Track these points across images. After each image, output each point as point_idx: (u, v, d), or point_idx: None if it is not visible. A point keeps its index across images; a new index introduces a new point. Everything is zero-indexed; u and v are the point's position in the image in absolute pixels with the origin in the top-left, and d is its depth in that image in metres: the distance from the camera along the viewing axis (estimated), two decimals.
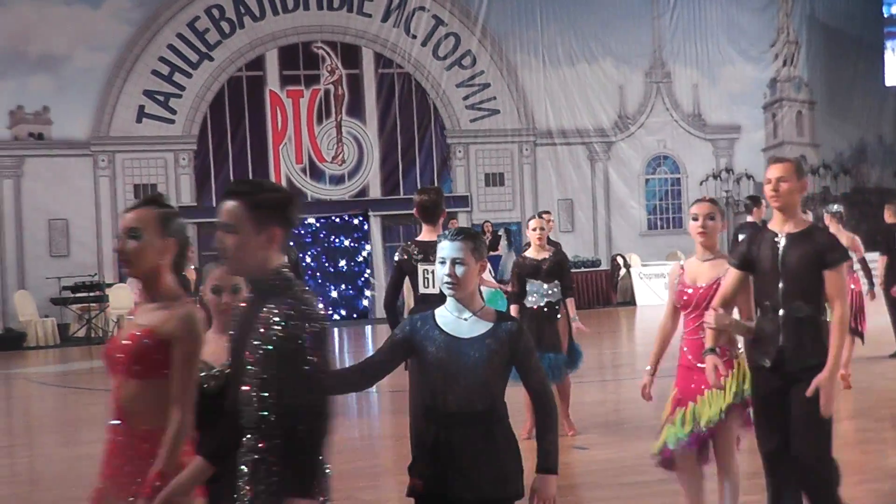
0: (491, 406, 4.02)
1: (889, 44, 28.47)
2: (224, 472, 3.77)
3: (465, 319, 4.07)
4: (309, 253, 23.33)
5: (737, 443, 5.90)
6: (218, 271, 4.57)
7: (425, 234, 7.50)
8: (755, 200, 13.20)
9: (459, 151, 25.99)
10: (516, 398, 4.99)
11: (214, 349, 4.47)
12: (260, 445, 3.46)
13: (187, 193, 24.34)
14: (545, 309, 9.43)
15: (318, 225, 23.73)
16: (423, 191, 7.75)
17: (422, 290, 7.30)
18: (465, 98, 25.92)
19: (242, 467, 3.51)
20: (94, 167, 23.75)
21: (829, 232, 5.68)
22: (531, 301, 9.48)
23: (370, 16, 25.34)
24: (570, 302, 9.54)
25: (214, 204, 24.28)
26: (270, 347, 3.32)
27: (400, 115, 25.56)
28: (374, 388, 4.15)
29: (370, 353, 4.60)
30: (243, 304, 3.67)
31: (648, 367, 6.09)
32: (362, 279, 24.03)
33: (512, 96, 26.26)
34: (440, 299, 4.19)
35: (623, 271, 25.31)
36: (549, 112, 26.44)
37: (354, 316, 23.76)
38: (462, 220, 24.38)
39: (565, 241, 21.40)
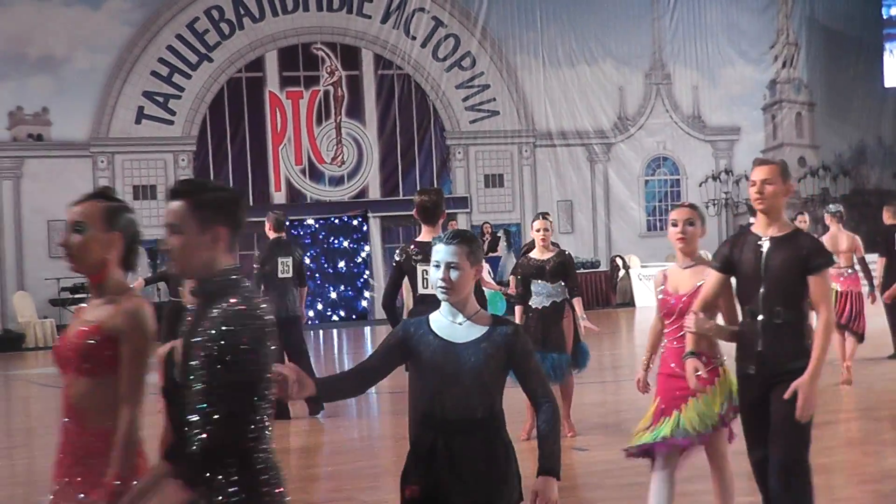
0: (489, 412, 3.94)
1: (888, 45, 28.48)
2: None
3: (460, 324, 3.99)
4: (308, 254, 23.31)
5: (729, 438, 5.86)
6: None
7: (425, 235, 7.50)
8: None
9: (459, 153, 25.99)
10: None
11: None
12: None
13: None
14: (550, 309, 9.43)
15: (317, 226, 23.74)
16: (424, 191, 7.76)
17: (421, 290, 7.31)
18: (465, 99, 25.93)
19: None
20: (93, 168, 23.76)
21: (813, 236, 5.59)
22: (535, 301, 9.49)
23: (370, 17, 25.35)
24: (578, 301, 9.54)
25: None
26: (211, 349, 3.22)
27: (399, 117, 25.57)
28: (373, 389, 4.10)
29: (369, 353, 4.57)
30: (193, 307, 3.58)
31: (644, 360, 6.13)
32: (361, 280, 24.03)
33: (512, 98, 26.27)
34: (439, 300, 4.09)
35: (622, 272, 25.31)
36: (548, 113, 26.46)
37: (353, 317, 23.77)
38: (461, 222, 24.38)
39: (565, 242, 21.38)
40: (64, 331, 4.07)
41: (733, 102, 27.86)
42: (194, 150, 24.47)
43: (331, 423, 11.07)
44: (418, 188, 18.57)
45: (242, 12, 24.65)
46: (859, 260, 12.36)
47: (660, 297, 5.95)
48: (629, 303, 24.73)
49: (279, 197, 24.75)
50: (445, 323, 4.01)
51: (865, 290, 12.42)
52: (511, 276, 13.51)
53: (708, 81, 27.68)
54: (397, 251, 7.66)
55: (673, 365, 5.80)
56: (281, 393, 3.66)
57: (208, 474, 3.23)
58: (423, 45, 25.68)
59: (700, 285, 5.70)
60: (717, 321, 5.60)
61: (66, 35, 23.51)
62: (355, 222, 24.16)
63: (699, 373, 5.40)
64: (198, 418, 3.21)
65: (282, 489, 3.46)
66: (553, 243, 9.75)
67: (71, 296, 22.12)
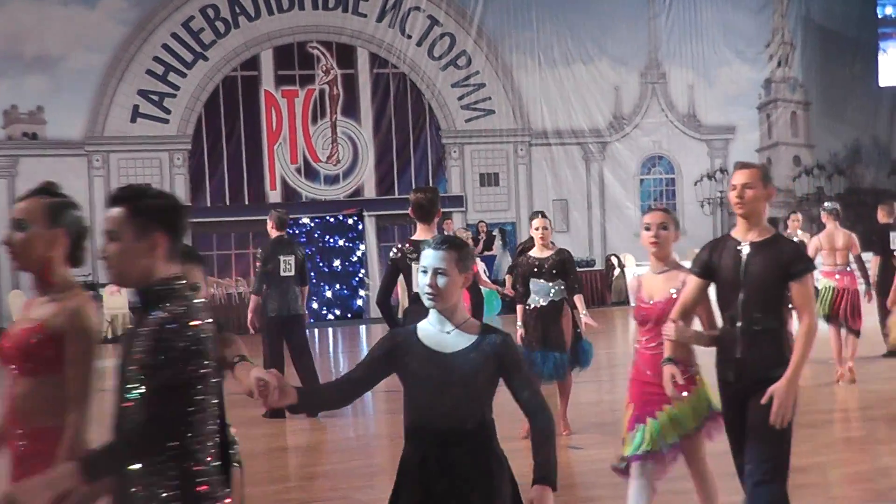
0: (480, 423, 3.84)
1: (883, 45, 28.51)
2: None
3: (448, 333, 3.88)
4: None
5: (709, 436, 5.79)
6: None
7: (420, 233, 7.51)
8: None
9: (454, 151, 25.99)
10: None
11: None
12: None
13: (182, 193, 24.25)
14: (548, 308, 9.44)
15: (312, 225, 23.71)
16: (419, 190, 7.80)
17: (415, 288, 7.31)
18: (461, 98, 25.92)
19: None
20: (88, 167, 23.74)
21: (794, 241, 5.51)
22: (534, 300, 9.50)
23: (365, 16, 25.34)
24: (579, 298, 9.55)
25: (209, 204, 24.44)
26: (146, 355, 3.18)
27: (395, 116, 25.57)
28: None
29: (364, 353, 4.55)
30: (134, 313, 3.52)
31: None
32: (357, 279, 24.01)
33: (507, 96, 26.26)
34: None
35: (618, 271, 25.30)
36: (544, 112, 26.45)
37: (349, 316, 23.75)
38: (457, 221, 24.36)
39: (560, 241, 21.24)
40: (9, 328, 4.00)
41: (729, 102, 27.86)
42: (189, 148, 24.45)
43: (327, 422, 11.06)
44: (413, 187, 18.57)
45: (238, 11, 24.63)
46: (856, 258, 12.37)
47: (635, 304, 5.88)
48: (624, 301, 24.68)
49: (274, 196, 24.73)
50: (433, 332, 3.90)
51: (862, 288, 12.44)
52: (507, 276, 13.54)
53: (703, 81, 27.69)
54: (392, 249, 7.67)
55: (649, 373, 5.72)
56: (261, 398, 3.61)
57: (140, 485, 3.20)
58: (419, 44, 25.68)
59: (674, 291, 5.62)
60: (695, 327, 5.52)
61: (61, 34, 23.48)
62: (350, 221, 24.14)
63: (676, 379, 5.29)
64: (130, 421, 3.21)
65: (222, 496, 3.38)
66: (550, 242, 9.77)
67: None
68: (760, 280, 5.16)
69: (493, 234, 24.75)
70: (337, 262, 23.75)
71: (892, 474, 7.99)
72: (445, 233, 14.19)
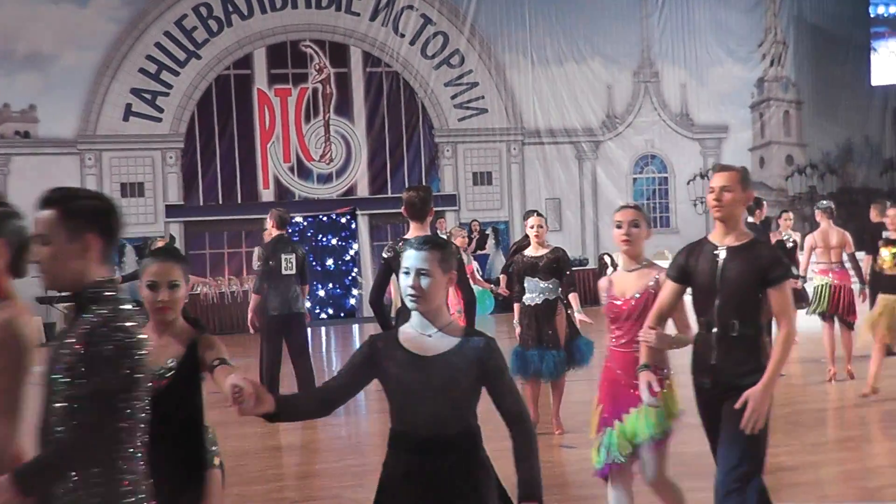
0: (464, 429, 3.72)
1: (875, 44, 28.55)
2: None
3: (430, 336, 3.76)
4: None
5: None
6: (155, 266, 4.29)
7: (413, 232, 7.52)
8: (757, 202, 13.25)
9: (447, 150, 25.99)
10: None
11: (150, 350, 4.10)
12: None
13: (175, 192, 24.30)
14: (542, 307, 9.47)
15: (305, 223, 23.69)
16: (412, 188, 7.85)
17: None
18: (454, 97, 25.92)
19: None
20: (80, 166, 23.70)
21: (772, 246, 5.43)
22: (528, 299, 9.53)
23: (358, 14, 25.32)
24: (574, 297, 9.58)
25: (202, 203, 24.40)
26: (74, 360, 3.12)
27: (388, 114, 25.56)
28: None
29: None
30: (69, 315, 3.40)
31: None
32: (350, 278, 24.00)
33: (500, 95, 26.27)
34: None
35: (611, 270, 25.28)
36: (537, 111, 26.46)
37: (342, 315, 23.74)
38: (450, 220, 24.38)
39: (553, 240, 21.17)
40: None
41: (721, 101, 27.89)
42: (182, 147, 24.42)
43: (319, 421, 11.05)
44: (406, 186, 18.55)
45: (231, 9, 24.60)
46: (849, 256, 12.39)
47: (606, 302, 5.81)
48: None
49: (267, 194, 24.71)
50: (414, 335, 3.79)
51: (856, 286, 12.46)
52: (502, 275, 13.55)
53: (696, 80, 27.70)
54: (385, 248, 7.68)
55: (619, 371, 5.67)
56: (236, 406, 3.53)
57: (62, 489, 3.11)
58: (412, 43, 25.67)
59: (647, 289, 5.58)
60: (671, 333, 5.45)
61: (53, 32, 23.44)
62: (344, 220, 24.12)
63: (652, 386, 5.20)
64: (58, 428, 3.13)
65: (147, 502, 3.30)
66: None
67: (58, 293, 22.00)
68: (737, 285, 5.07)
69: (486, 233, 24.77)
70: (330, 261, 23.73)
71: (884, 473, 8.01)
72: (438, 232, 14.22)
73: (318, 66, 25.20)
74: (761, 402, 4.89)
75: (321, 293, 23.49)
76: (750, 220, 13.09)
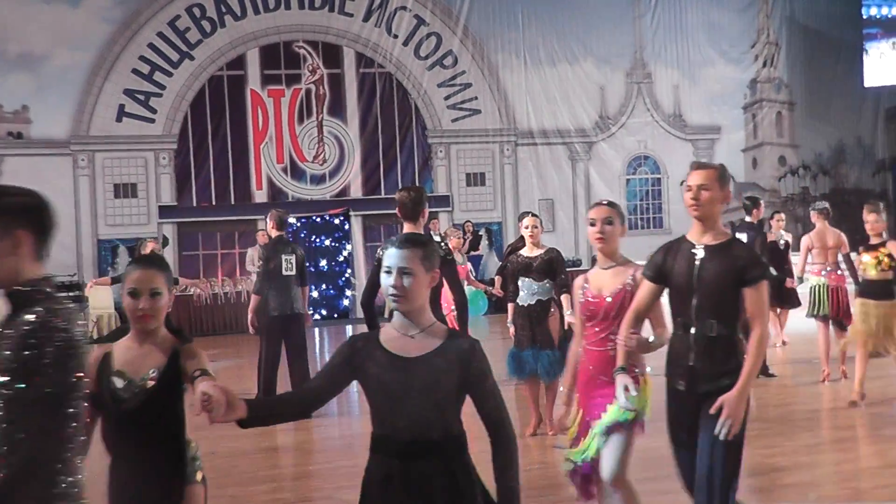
0: (447, 433, 3.60)
1: (868, 45, 28.60)
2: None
3: (412, 337, 3.65)
4: None
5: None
6: (136, 273, 4.16)
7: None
8: (754, 201, 13.27)
9: (440, 151, 25.99)
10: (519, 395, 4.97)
11: (131, 359, 4.12)
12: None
13: (168, 193, 24.27)
14: (536, 307, 9.48)
15: (298, 224, 23.69)
16: (404, 189, 7.87)
17: None
18: (447, 98, 25.92)
19: None
20: (73, 167, 23.67)
21: (749, 246, 5.31)
22: (522, 299, 9.55)
23: (351, 15, 25.32)
24: (566, 298, 9.57)
25: (195, 204, 24.39)
26: (12, 364, 2.99)
27: (381, 115, 25.55)
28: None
29: None
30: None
31: (565, 391, 5.81)
32: (343, 279, 24.01)
33: (493, 96, 26.28)
34: None
35: None
36: (530, 112, 26.48)
37: (335, 316, 23.74)
38: (443, 220, 24.39)
39: (546, 241, 21.22)
40: None
41: (714, 102, 27.93)
42: (175, 148, 24.40)
43: (312, 422, 11.06)
44: (400, 187, 18.55)
45: (224, 10, 24.59)
46: (844, 257, 12.40)
47: (581, 300, 5.72)
48: None
49: (260, 195, 24.70)
50: (396, 335, 3.69)
51: (851, 287, 12.46)
52: (497, 276, 13.57)
53: (689, 81, 27.74)
54: (379, 249, 7.69)
55: (592, 368, 5.61)
56: (205, 413, 3.42)
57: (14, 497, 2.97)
58: (405, 44, 25.67)
59: (624, 287, 5.53)
60: (649, 336, 5.36)
61: (45, 32, 23.40)
62: (337, 221, 24.13)
63: (630, 389, 5.13)
64: (2, 439, 2.98)
65: None
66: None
67: None
68: (713, 285, 4.98)
69: (480, 233, 24.78)
70: (323, 262, 23.75)
71: (876, 474, 8.02)
72: (432, 233, 14.20)
73: (311, 67, 25.19)
74: (736, 408, 4.82)
75: (315, 294, 23.48)
76: (748, 219, 13.12)
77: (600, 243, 5.70)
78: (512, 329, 9.68)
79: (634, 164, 27.46)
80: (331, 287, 23.81)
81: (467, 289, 15.22)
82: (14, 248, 3.19)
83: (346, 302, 23.98)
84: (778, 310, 14.57)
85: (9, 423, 2.96)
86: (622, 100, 27.36)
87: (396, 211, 7.72)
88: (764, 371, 12.75)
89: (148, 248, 13.97)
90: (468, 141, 26.13)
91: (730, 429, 4.82)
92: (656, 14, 27.45)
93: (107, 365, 4.08)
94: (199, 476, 4.15)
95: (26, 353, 3.00)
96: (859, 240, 13.30)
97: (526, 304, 9.55)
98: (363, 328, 19.66)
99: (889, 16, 28.56)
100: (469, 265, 20.14)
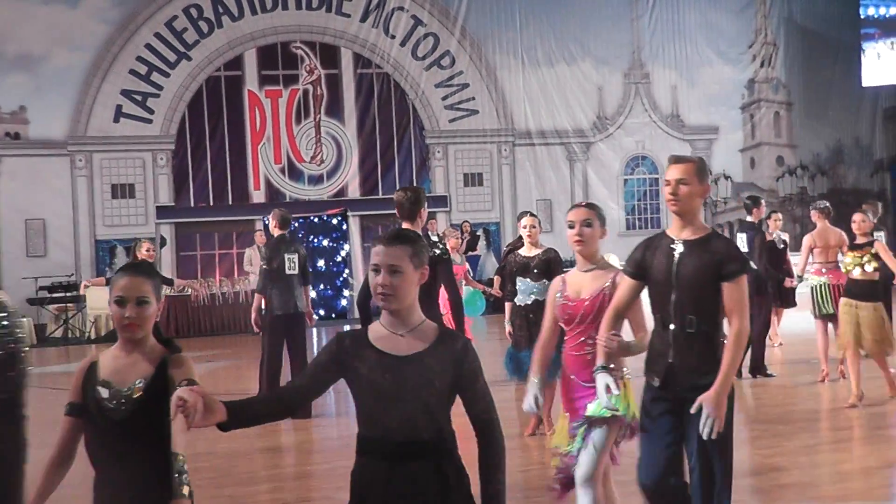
0: (437, 434, 3.50)
1: (865, 45, 28.62)
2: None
3: (402, 335, 3.55)
4: None
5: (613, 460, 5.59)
6: (123, 281, 3.99)
7: None
8: (755, 200, 13.26)
9: (438, 152, 25.99)
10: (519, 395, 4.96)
11: (118, 368, 3.98)
12: None
13: (165, 193, 24.26)
14: (533, 307, 9.48)
15: (296, 225, 23.67)
16: (402, 189, 7.91)
17: None
18: (444, 98, 25.93)
19: None
20: (71, 167, 23.66)
21: (729, 240, 5.13)
22: (520, 299, 9.55)
23: (349, 16, 25.33)
24: None
25: (193, 204, 24.36)
26: None
27: (379, 116, 25.56)
28: None
29: None
30: None
31: (536, 380, 5.61)
32: (341, 279, 23.99)
33: (491, 97, 26.29)
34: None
35: None
36: (527, 113, 26.49)
37: (333, 316, 23.72)
38: (441, 221, 24.40)
39: (544, 241, 21.23)
40: None
41: (712, 102, 27.95)
42: (173, 148, 24.39)
43: (311, 422, 11.05)
44: (397, 187, 18.55)
45: (221, 11, 24.59)
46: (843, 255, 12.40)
47: (560, 302, 5.61)
48: None
49: (258, 196, 24.71)
50: (385, 334, 3.58)
51: None
52: (496, 276, 13.57)
53: (686, 81, 27.76)
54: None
55: (573, 377, 5.55)
56: (181, 417, 3.30)
57: None
58: (403, 44, 25.68)
59: (603, 290, 5.44)
60: (627, 338, 5.26)
61: (43, 33, 23.41)
62: (335, 221, 24.11)
63: (611, 388, 5.01)
64: None
65: None
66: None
67: (49, 295, 22.04)
68: (692, 280, 4.88)
69: (478, 234, 24.77)
70: (321, 262, 23.72)
71: (874, 474, 8.02)
72: (429, 233, 14.19)
73: (308, 68, 25.20)
74: (717, 407, 4.69)
75: (312, 294, 23.42)
76: (749, 218, 13.12)
77: (579, 245, 5.59)
78: (509, 329, 9.67)
79: (632, 164, 27.47)
80: (328, 287, 23.79)
81: (465, 289, 15.24)
82: None
83: (343, 302, 23.96)
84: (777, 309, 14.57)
85: None
86: (620, 100, 27.38)
87: (396, 211, 7.76)
88: (762, 371, 12.76)
89: (143, 248, 13.93)
90: (466, 141, 26.14)
91: (713, 427, 4.69)
92: (654, 15, 27.47)
93: (93, 374, 3.95)
94: (185, 490, 3.97)
95: None
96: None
97: (523, 304, 9.54)
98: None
99: (887, 16, 28.57)
100: (467, 265, 20.14)
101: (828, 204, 12.68)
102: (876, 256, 10.59)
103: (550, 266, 9.57)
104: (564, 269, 9.95)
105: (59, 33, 23.53)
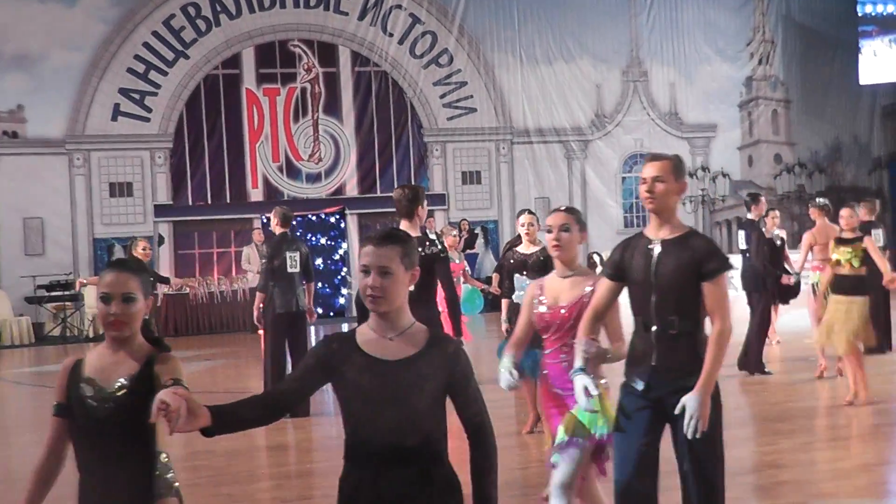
0: (424, 441, 3.40)
1: (863, 43, 28.62)
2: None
3: (391, 339, 3.45)
4: None
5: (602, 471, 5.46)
6: (109, 277, 3.85)
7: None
8: (754, 197, 13.28)
9: (436, 150, 25.98)
10: (518, 393, 4.96)
11: (103, 367, 3.85)
12: None
13: (163, 192, 24.24)
14: None
15: (294, 223, 23.65)
16: (401, 186, 7.96)
17: None
18: (442, 96, 25.91)
19: None
20: (69, 166, 23.64)
21: (708, 238, 4.84)
22: (517, 296, 9.55)
23: (347, 14, 25.31)
24: None
25: (191, 203, 24.36)
26: None
27: (377, 114, 25.54)
28: None
29: None
30: None
31: (508, 358, 5.49)
32: (339, 277, 24.01)
33: (489, 95, 26.28)
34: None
35: (599, 269, 25.31)
36: (526, 111, 26.48)
37: (331, 314, 23.74)
38: (439, 219, 24.40)
39: (542, 239, 21.41)
40: None
41: (710, 100, 27.94)
42: (171, 147, 24.37)
43: (310, 420, 11.05)
44: (395, 185, 18.55)
45: (219, 9, 24.57)
46: None
47: (536, 309, 5.50)
48: None
49: (256, 194, 24.69)
50: (374, 337, 3.48)
51: None
52: (494, 274, 13.57)
53: (685, 79, 27.75)
54: None
55: (553, 385, 5.47)
56: (161, 420, 3.19)
57: None
58: (401, 43, 25.66)
59: (581, 297, 5.34)
60: (604, 345, 5.16)
61: (41, 32, 23.38)
62: (333, 219, 24.12)
63: (589, 389, 4.87)
64: None
65: None
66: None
67: (47, 293, 22.03)
68: (672, 280, 4.76)
69: (476, 232, 24.77)
70: (319, 261, 23.72)
71: (872, 470, 8.03)
72: (427, 231, 14.19)
73: (306, 66, 25.19)
74: (700, 408, 4.59)
75: None
76: (750, 216, 13.14)
77: (556, 251, 5.49)
78: (506, 326, 9.67)
79: (630, 162, 27.45)
80: (326, 285, 23.80)
81: (464, 287, 15.25)
82: None
83: (341, 300, 23.98)
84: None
85: None
86: (618, 98, 27.37)
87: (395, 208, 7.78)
88: (760, 369, 12.78)
89: (139, 247, 13.93)
90: (464, 139, 26.13)
91: (696, 427, 4.59)
92: (652, 12, 27.47)
93: (77, 373, 3.86)
94: (172, 490, 3.86)
95: None
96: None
97: (519, 302, 9.55)
98: None
99: (884, 13, 28.57)
100: (465, 263, 20.15)
101: (827, 201, 12.70)
102: (864, 253, 10.60)
103: (548, 264, 9.56)
104: None
105: (56, 32, 23.50)
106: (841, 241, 10.81)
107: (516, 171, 26.40)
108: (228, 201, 24.56)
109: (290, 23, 25.04)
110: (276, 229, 11.86)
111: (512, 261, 9.65)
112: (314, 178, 25.19)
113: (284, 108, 25.03)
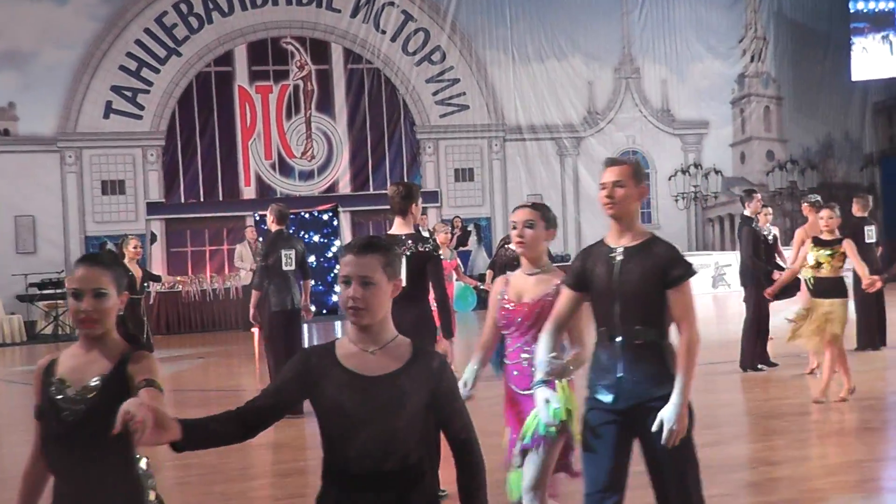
0: (402, 464, 3.23)
1: (855, 40, 28.67)
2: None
3: (372, 353, 3.27)
4: None
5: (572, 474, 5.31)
6: (79, 271, 3.64)
7: (397, 228, 7.52)
8: (748, 193, 13.28)
9: (429, 147, 25.98)
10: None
11: (75, 366, 3.67)
12: None
13: (155, 190, 24.22)
14: None
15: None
16: (395, 183, 7.90)
17: None
18: (435, 94, 25.92)
19: None
20: (61, 163, 23.61)
21: (670, 244, 4.75)
22: None
23: (339, 11, 25.30)
24: None
25: (183, 200, 24.32)
26: None
27: (369, 111, 25.54)
28: None
29: None
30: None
31: (473, 367, 5.42)
32: (332, 275, 23.97)
33: (481, 92, 26.28)
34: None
35: None
36: (518, 108, 26.50)
37: (324, 312, 23.70)
38: (432, 216, 24.38)
39: None
40: None
41: (702, 97, 27.98)
42: (163, 144, 24.35)
43: (302, 419, 11.03)
44: (388, 183, 18.58)
45: (211, 6, 24.55)
46: None
47: (500, 305, 5.36)
48: None
49: (249, 192, 24.68)
50: (355, 351, 3.29)
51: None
52: (488, 270, 13.55)
53: (677, 76, 27.79)
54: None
55: (513, 387, 5.33)
56: (128, 431, 2.96)
57: None
58: (393, 40, 25.66)
59: (546, 295, 5.18)
60: (567, 357, 4.94)
61: (32, 30, 23.34)
62: (326, 217, 24.10)
63: (550, 402, 4.67)
64: None
65: None
66: None
67: (39, 291, 21.98)
68: (636, 289, 4.59)
69: (469, 229, 24.77)
70: (312, 258, 23.67)
71: (864, 467, 8.04)
72: (420, 228, 14.17)
73: (299, 63, 25.17)
74: (679, 421, 4.44)
75: None
76: (746, 213, 13.14)
77: (521, 248, 5.34)
78: None
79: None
80: (319, 283, 23.75)
81: (457, 284, 15.23)
82: None
83: (334, 298, 23.94)
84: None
85: None
86: (610, 95, 27.39)
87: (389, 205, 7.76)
88: (752, 366, 12.79)
89: (130, 246, 13.88)
90: (456, 136, 26.14)
91: (674, 438, 4.46)
92: (644, 10, 27.49)
93: (50, 373, 3.68)
94: (152, 495, 3.72)
95: None
96: (849, 234, 13.35)
97: None
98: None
99: (876, 10, 28.63)
100: (458, 261, 20.15)
101: (819, 198, 12.71)
102: (843, 256, 10.54)
103: None
104: (555, 264, 9.99)
105: (48, 30, 23.47)
106: (820, 243, 10.71)
107: (509, 168, 26.41)
108: (221, 199, 24.54)
109: (282, 20, 25.02)
110: (272, 227, 11.79)
111: (505, 257, 9.66)
112: (307, 176, 25.17)
113: (277, 106, 25.01)
